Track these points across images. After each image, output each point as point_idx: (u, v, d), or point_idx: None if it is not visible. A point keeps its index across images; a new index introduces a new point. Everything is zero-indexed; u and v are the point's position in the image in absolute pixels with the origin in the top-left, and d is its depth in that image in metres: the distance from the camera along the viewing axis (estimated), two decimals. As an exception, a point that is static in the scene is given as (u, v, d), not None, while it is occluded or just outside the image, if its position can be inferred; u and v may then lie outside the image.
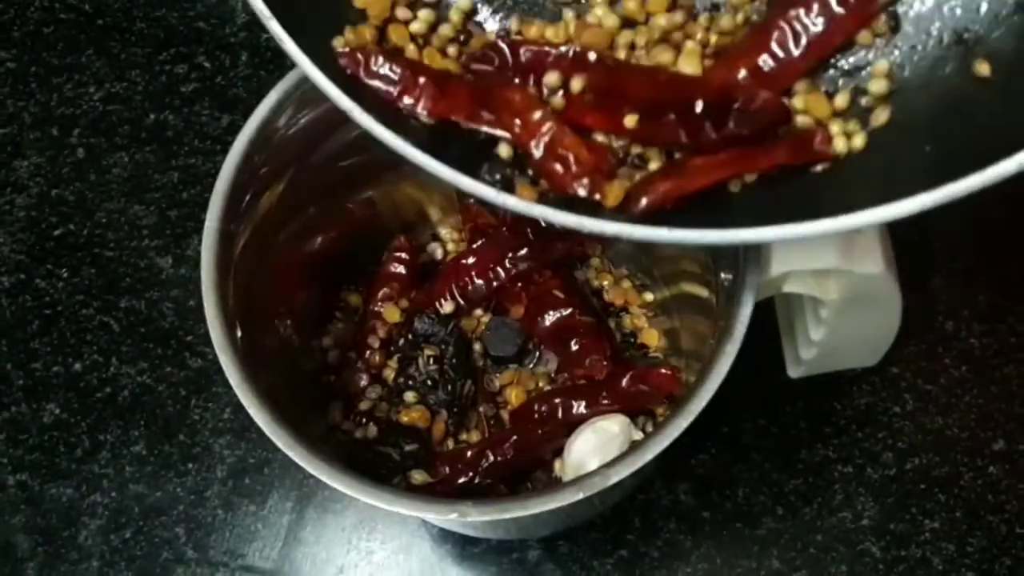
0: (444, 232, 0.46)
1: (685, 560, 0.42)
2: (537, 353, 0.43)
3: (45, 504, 0.44)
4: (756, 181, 0.27)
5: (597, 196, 0.27)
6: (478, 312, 0.43)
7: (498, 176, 0.28)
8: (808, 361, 0.41)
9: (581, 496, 0.29)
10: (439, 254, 0.45)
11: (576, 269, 0.44)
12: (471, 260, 0.42)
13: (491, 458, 0.38)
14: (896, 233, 0.34)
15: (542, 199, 0.27)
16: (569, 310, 0.41)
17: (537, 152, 0.27)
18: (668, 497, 0.43)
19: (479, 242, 0.43)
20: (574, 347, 0.41)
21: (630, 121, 0.27)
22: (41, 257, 0.49)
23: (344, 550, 0.43)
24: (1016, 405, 0.44)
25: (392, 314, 0.42)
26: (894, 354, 0.43)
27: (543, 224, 0.42)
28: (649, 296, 0.44)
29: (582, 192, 0.27)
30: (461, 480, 0.37)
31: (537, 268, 0.42)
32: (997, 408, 0.44)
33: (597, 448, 0.36)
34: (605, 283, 0.44)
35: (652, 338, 0.43)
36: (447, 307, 0.42)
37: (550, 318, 0.41)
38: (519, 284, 0.42)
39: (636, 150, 0.29)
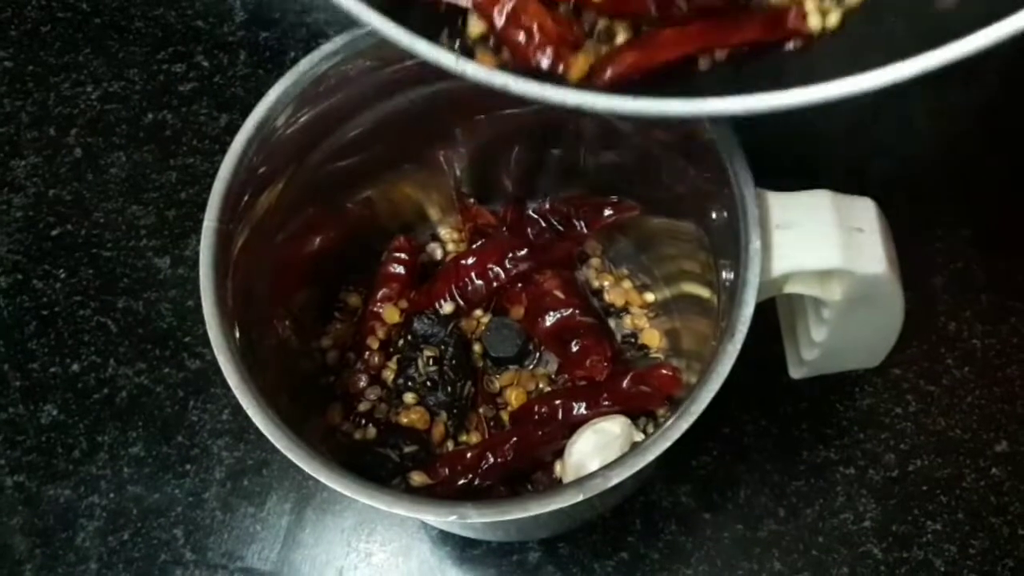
0: (444, 232, 0.46)
1: (686, 562, 0.41)
2: (537, 354, 0.42)
3: (43, 505, 0.44)
4: (726, 59, 0.27)
5: (560, 69, 0.26)
6: (478, 313, 0.42)
7: (458, 44, 0.26)
8: (810, 362, 0.40)
9: (581, 498, 0.29)
10: (439, 254, 0.45)
11: (576, 269, 0.44)
12: (471, 260, 0.42)
13: (491, 460, 0.37)
14: (897, 234, 0.34)
15: (503, 68, 0.26)
16: (569, 311, 0.41)
17: (499, 20, 0.26)
18: (669, 499, 0.42)
19: (479, 242, 0.43)
20: (574, 348, 0.41)
21: None
22: (38, 257, 0.49)
23: (343, 552, 0.43)
24: (1019, 406, 0.43)
25: (391, 315, 0.42)
26: (896, 355, 0.42)
27: (542, 223, 0.42)
28: (650, 296, 0.44)
29: (545, 63, 0.26)
30: (461, 482, 0.37)
31: (537, 268, 0.42)
32: (999, 409, 0.43)
33: (598, 449, 0.36)
34: (605, 283, 0.44)
35: (653, 339, 0.43)
36: (447, 308, 0.42)
37: (550, 319, 0.41)
38: (519, 284, 0.42)
39: (603, 24, 0.27)
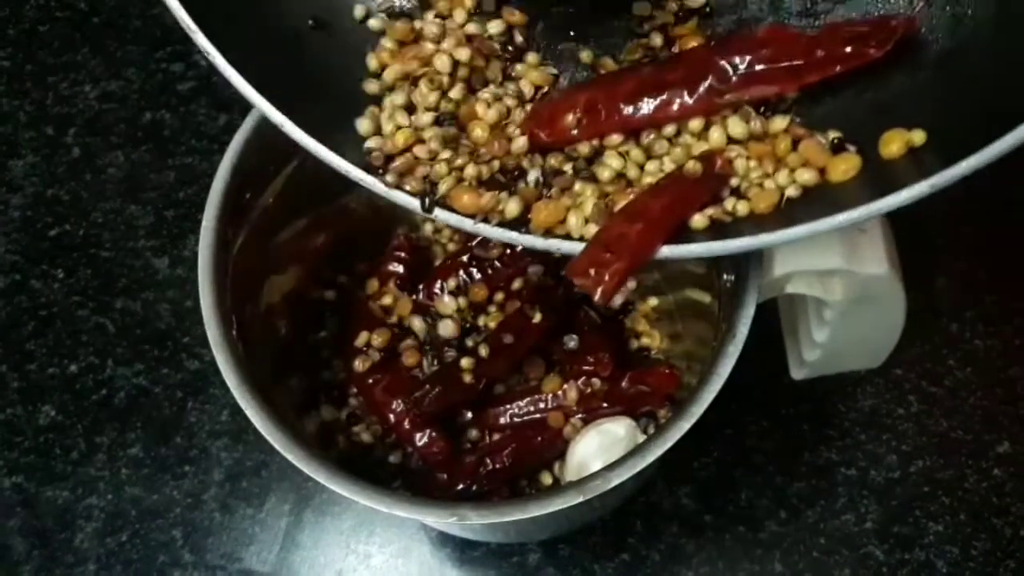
0: (443, 231, 0.45)
1: (687, 564, 0.41)
2: None
3: (41, 507, 0.44)
4: None
5: None
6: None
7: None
8: (811, 363, 0.40)
9: (581, 499, 0.29)
10: (439, 253, 0.45)
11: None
12: (470, 259, 0.42)
13: (489, 465, 0.37)
14: (900, 234, 0.34)
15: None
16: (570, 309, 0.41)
17: None
18: (670, 500, 0.42)
19: (478, 241, 0.43)
20: (575, 347, 0.40)
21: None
22: (36, 258, 0.49)
23: (342, 554, 0.42)
24: (1021, 407, 0.43)
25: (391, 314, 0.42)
26: (898, 356, 0.42)
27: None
28: (652, 300, 0.43)
29: None
30: (460, 487, 0.37)
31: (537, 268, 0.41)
32: (1001, 410, 0.43)
33: (601, 450, 0.36)
34: (606, 284, 0.44)
35: (654, 340, 0.42)
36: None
37: (552, 318, 0.41)
38: (519, 284, 0.42)
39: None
